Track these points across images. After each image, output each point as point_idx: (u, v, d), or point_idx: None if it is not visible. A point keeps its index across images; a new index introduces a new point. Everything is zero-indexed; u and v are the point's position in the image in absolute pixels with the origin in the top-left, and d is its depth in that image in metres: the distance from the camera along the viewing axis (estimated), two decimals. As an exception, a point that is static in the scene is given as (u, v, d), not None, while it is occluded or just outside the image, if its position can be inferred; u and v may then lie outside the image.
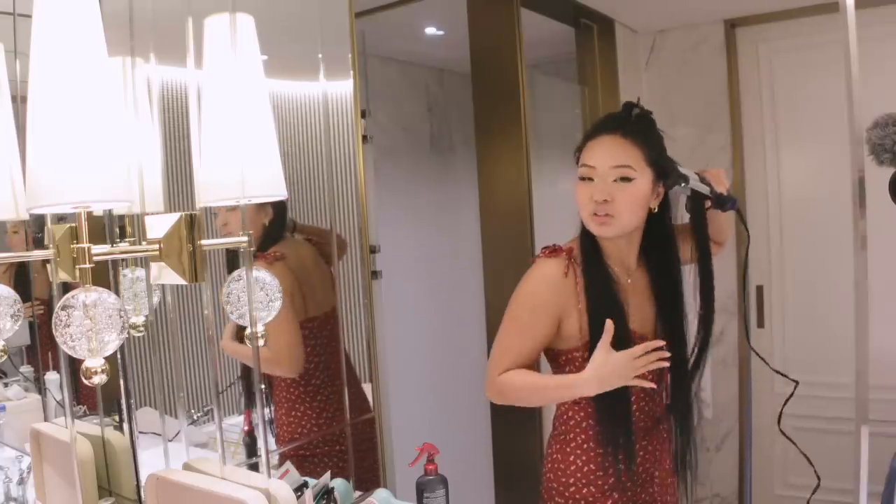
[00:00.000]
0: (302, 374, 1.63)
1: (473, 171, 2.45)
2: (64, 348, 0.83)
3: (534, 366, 1.43)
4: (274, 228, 1.61)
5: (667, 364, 1.31)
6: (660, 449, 1.47)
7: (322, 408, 1.64)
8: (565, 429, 1.45)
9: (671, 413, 1.47)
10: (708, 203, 1.51)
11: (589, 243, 1.39)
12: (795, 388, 1.55)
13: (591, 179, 1.34)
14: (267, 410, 1.62)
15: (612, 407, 1.37)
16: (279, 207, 1.61)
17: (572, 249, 1.40)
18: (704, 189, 1.49)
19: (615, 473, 1.39)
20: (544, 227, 2.35)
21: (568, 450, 1.43)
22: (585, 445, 1.41)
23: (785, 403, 1.58)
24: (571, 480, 1.42)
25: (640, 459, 1.42)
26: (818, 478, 1.47)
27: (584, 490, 1.41)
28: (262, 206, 1.56)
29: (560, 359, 1.42)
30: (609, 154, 1.33)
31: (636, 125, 1.36)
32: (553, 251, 1.40)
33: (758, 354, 1.56)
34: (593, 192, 1.33)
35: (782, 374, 1.62)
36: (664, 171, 1.37)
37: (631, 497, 1.42)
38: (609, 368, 1.28)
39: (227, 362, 1.50)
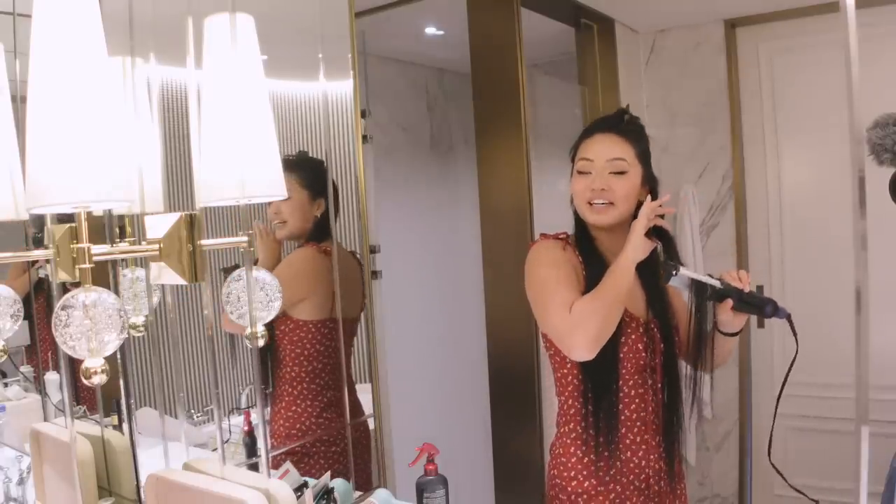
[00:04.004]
0: (308, 372, 1.63)
1: (473, 170, 2.45)
2: (64, 348, 0.83)
3: None
4: (326, 222, 1.65)
5: (661, 221, 1.40)
6: (658, 440, 1.47)
7: (323, 407, 1.64)
8: (566, 420, 1.48)
9: (665, 401, 1.47)
10: (730, 303, 1.39)
11: (583, 233, 1.50)
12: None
13: (588, 173, 1.44)
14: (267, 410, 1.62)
15: (601, 394, 1.41)
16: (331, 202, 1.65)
17: (567, 237, 1.51)
18: (711, 281, 1.38)
19: (613, 465, 1.41)
20: (544, 227, 2.33)
21: (569, 441, 1.46)
22: (585, 436, 1.43)
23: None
24: (573, 473, 1.44)
25: (641, 451, 1.43)
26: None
27: (586, 483, 1.43)
28: (315, 198, 1.64)
29: (557, 352, 1.45)
30: (606, 148, 1.44)
31: (628, 126, 1.48)
32: (547, 236, 1.51)
33: (776, 469, 1.52)
34: (591, 182, 1.43)
35: (802, 493, 1.56)
36: (651, 172, 1.48)
37: (634, 490, 1.43)
38: (632, 233, 1.38)
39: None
